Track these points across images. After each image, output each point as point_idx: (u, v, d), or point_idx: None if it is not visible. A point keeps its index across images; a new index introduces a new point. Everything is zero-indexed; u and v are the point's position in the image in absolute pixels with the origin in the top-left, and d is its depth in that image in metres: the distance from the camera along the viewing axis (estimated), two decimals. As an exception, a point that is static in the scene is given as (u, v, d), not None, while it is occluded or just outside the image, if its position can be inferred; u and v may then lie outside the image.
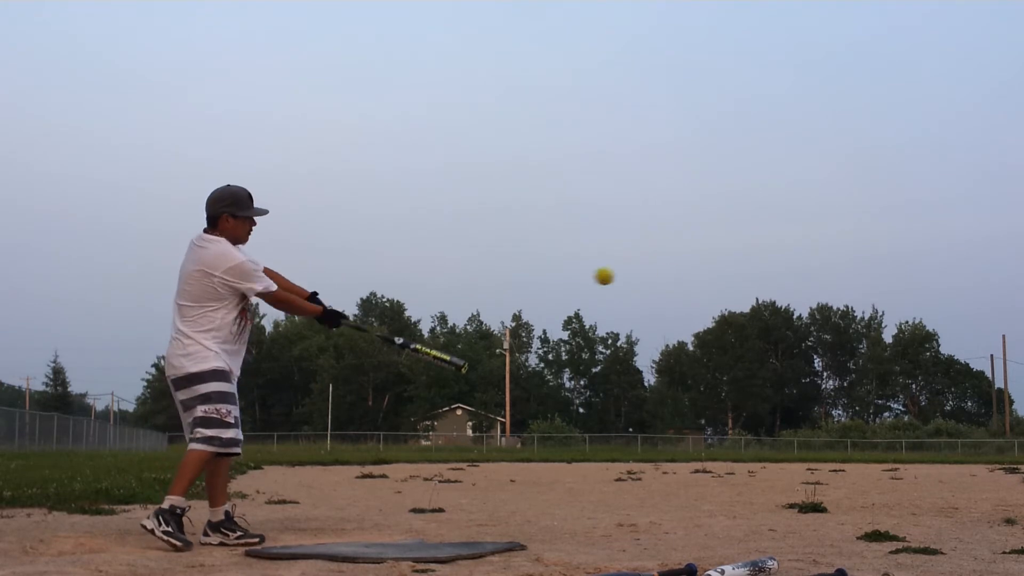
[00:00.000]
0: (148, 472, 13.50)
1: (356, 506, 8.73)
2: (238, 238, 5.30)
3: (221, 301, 5.19)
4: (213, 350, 5.14)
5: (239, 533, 5.16)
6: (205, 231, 5.30)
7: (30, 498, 8.08)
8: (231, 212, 5.27)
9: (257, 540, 5.12)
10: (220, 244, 5.21)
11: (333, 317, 5.57)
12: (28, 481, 10.40)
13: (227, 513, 5.22)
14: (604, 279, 6.05)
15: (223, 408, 5.11)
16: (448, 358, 5.69)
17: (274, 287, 5.31)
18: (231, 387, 5.20)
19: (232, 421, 5.14)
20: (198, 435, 5.07)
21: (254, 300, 5.35)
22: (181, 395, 5.15)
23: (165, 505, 4.97)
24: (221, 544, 5.08)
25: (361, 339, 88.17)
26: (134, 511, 7.48)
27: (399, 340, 5.74)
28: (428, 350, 5.70)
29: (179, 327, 5.17)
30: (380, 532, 6.00)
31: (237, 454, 5.31)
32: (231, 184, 5.36)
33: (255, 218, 5.38)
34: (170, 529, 4.87)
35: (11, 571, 4.05)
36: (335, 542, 5.31)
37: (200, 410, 5.11)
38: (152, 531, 4.86)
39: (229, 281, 5.16)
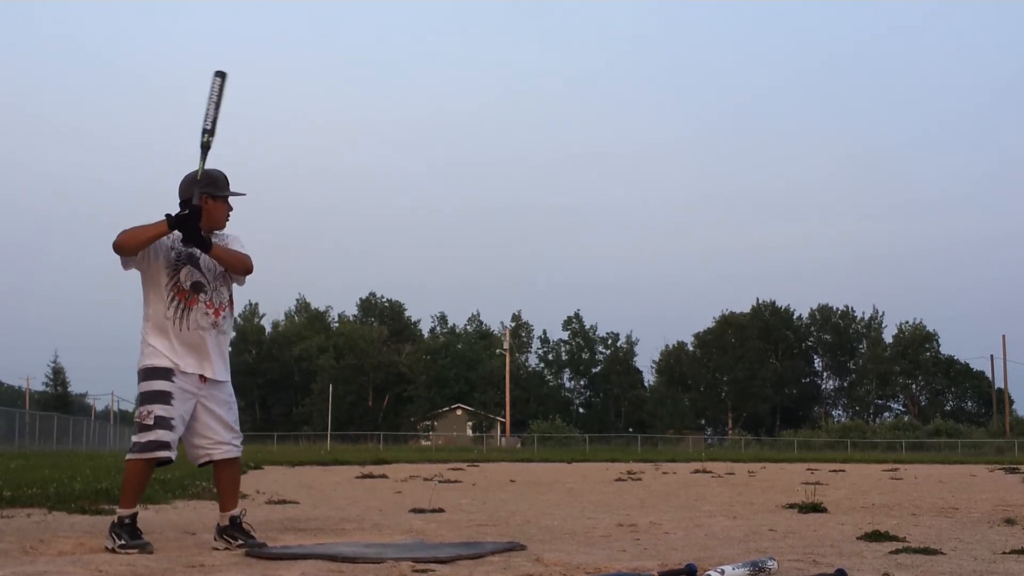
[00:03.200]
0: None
1: (356, 506, 8.74)
2: (217, 221, 5.02)
3: (147, 287, 4.95)
4: (151, 345, 4.91)
5: (240, 541, 5.00)
6: None
7: (30, 498, 8.09)
8: (210, 193, 4.96)
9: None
10: None
11: (183, 221, 4.78)
12: (28, 481, 10.40)
13: (232, 519, 5.07)
14: None
15: (144, 410, 4.85)
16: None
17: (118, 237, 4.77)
18: (164, 384, 4.85)
19: (151, 423, 4.82)
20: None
21: (195, 279, 4.96)
22: None
23: (115, 519, 4.92)
24: (226, 549, 4.99)
25: (361, 339, 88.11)
26: (134, 511, 7.48)
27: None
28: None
29: None
30: (380, 532, 6.00)
31: (163, 459, 4.88)
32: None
33: (231, 201, 5.09)
34: (123, 541, 4.78)
35: (11, 571, 4.05)
36: (335, 542, 5.31)
37: (135, 413, 4.99)
38: (113, 550, 4.76)
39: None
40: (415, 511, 7.85)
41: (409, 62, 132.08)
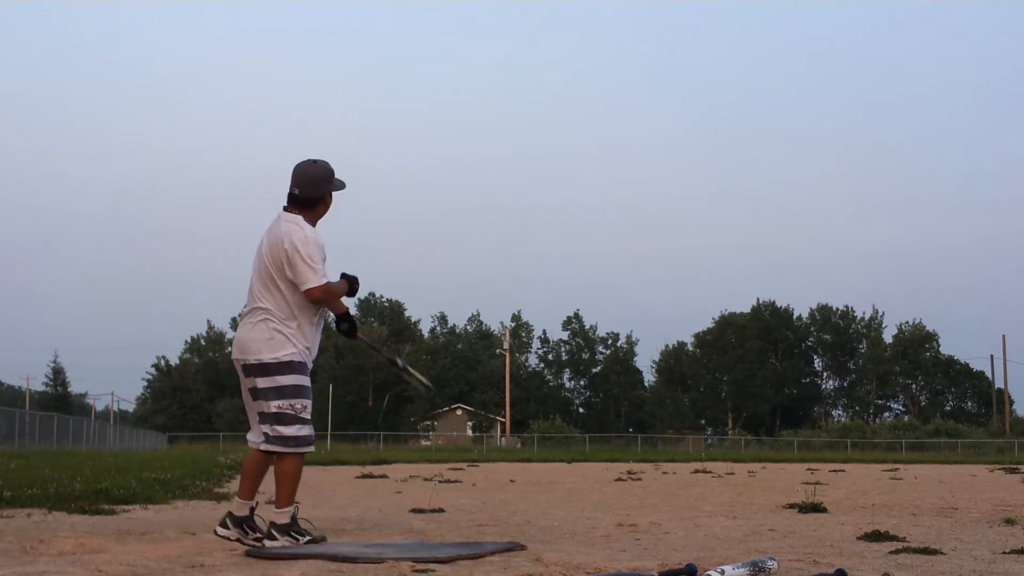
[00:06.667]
0: (148, 472, 13.52)
1: (356, 506, 8.74)
2: (322, 216, 5.21)
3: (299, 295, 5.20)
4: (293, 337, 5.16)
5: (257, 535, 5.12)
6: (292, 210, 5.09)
7: (30, 498, 8.08)
8: (333, 189, 5.16)
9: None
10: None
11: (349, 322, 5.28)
12: (28, 481, 10.39)
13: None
14: None
15: (299, 403, 5.09)
16: (426, 383, 5.66)
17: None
18: (306, 379, 5.18)
19: (308, 417, 5.13)
20: None
21: None
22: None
23: (285, 520, 5.00)
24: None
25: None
26: (134, 511, 7.49)
27: (400, 362, 5.53)
28: (417, 374, 5.55)
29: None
30: (380, 532, 6.00)
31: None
32: (315, 160, 5.11)
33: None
34: (308, 538, 5.01)
35: (11, 571, 4.05)
36: (335, 542, 5.31)
37: (276, 405, 5.11)
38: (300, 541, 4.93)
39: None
40: (415, 511, 7.85)
41: (410, 61, 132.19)
